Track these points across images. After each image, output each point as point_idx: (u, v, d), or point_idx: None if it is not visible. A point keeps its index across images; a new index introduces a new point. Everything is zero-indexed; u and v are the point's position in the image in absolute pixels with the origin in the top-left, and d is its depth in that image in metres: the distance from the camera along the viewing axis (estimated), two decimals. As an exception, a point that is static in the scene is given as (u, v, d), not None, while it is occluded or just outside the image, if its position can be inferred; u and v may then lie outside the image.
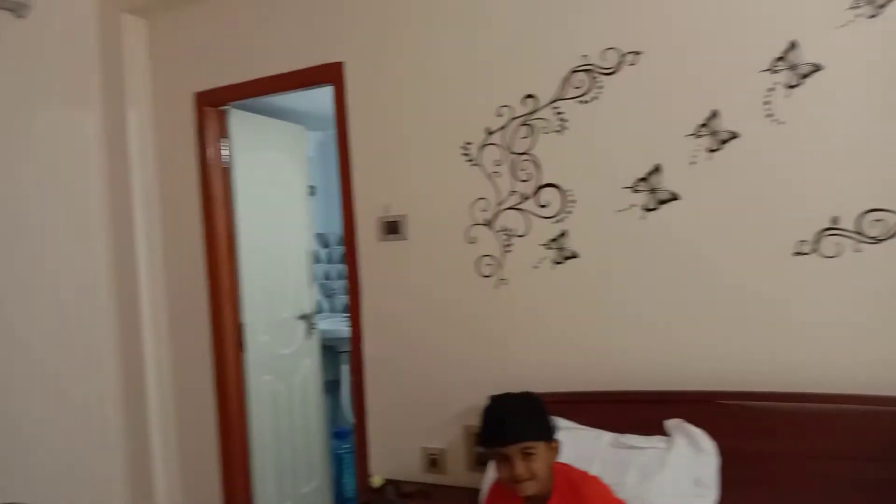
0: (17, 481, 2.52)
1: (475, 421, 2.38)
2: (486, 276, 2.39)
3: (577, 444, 1.94)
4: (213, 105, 2.96)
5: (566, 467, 1.73)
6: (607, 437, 2.04)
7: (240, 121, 3.09)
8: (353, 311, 2.65)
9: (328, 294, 4.89)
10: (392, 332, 2.58)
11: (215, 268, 2.96)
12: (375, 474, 2.54)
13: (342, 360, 4.45)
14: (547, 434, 1.68)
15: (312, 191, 4.12)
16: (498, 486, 1.77)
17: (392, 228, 2.56)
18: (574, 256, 2.26)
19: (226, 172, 3.03)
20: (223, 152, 3.01)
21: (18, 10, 2.72)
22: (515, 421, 1.66)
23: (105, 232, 3.00)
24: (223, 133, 3.02)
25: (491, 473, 2.10)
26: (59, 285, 2.83)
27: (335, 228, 4.78)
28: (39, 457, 2.68)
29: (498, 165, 2.34)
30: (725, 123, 2.03)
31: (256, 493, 3.07)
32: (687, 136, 2.08)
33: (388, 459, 2.61)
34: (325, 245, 4.87)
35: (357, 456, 2.60)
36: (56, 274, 2.82)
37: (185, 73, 2.97)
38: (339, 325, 4.37)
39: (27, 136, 2.75)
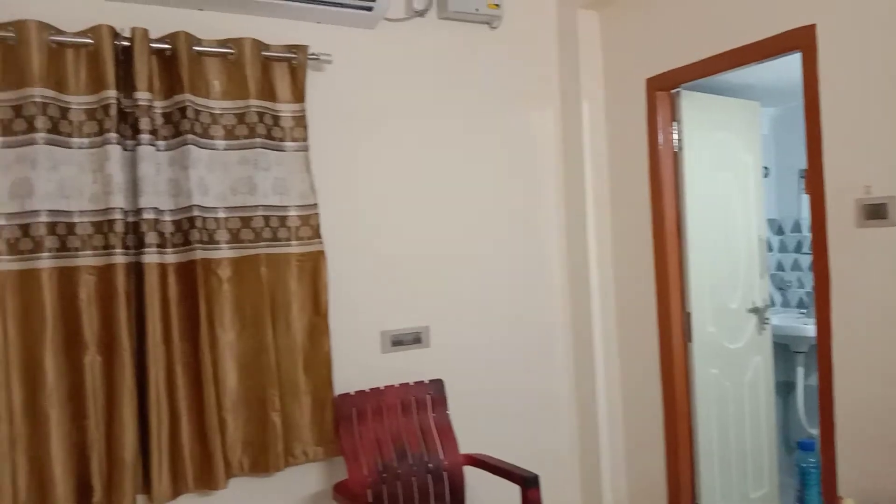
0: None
1: None
2: None
3: None
4: (663, 89, 2.90)
5: None
6: None
7: (689, 102, 2.97)
8: (821, 307, 2.31)
9: (781, 287, 4.44)
10: (874, 336, 2.17)
11: (662, 254, 2.92)
12: (847, 497, 2.18)
13: (797, 361, 4.00)
14: None
15: (766, 172, 3.77)
16: None
17: (875, 213, 2.15)
18: None
19: (675, 157, 2.95)
20: (672, 136, 2.94)
21: (492, 22, 3.07)
22: None
23: (560, 219, 3.24)
24: (673, 117, 2.94)
25: None
26: (520, 260, 3.14)
27: (790, 213, 4.31)
28: (509, 425, 3.05)
29: None
30: None
31: (701, 486, 2.95)
32: None
33: (864, 482, 2.22)
34: (779, 232, 4.42)
35: (823, 472, 2.27)
36: (519, 251, 3.13)
37: (636, 60, 2.98)
38: (794, 322, 3.94)
39: (499, 134, 3.09)
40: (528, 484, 2.36)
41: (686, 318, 2.94)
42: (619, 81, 3.08)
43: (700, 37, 2.68)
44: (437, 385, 2.75)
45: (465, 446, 2.74)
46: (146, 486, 2.27)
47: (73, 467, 2.18)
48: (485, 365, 3.01)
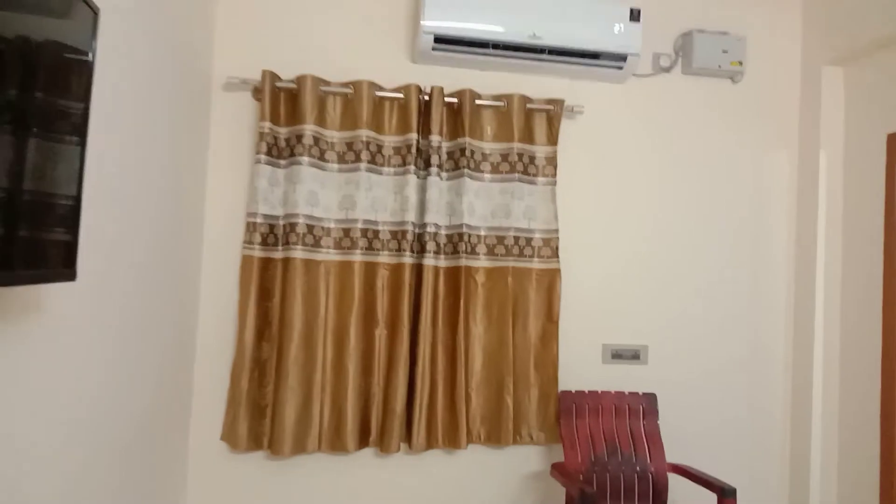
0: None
1: None
2: None
3: None
4: (905, 144, 2.97)
5: None
6: None
7: (937, 158, 2.98)
8: None
9: None
10: None
11: (892, 309, 2.96)
12: None
13: None
14: None
15: None
16: None
17: None
18: None
19: None
20: (913, 190, 2.98)
21: (735, 77, 3.36)
22: None
23: (788, 252, 3.39)
24: (915, 171, 2.98)
25: None
26: (743, 298, 3.35)
27: None
28: (717, 446, 3.28)
29: None
30: None
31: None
32: None
33: None
34: None
35: None
36: (742, 287, 3.35)
37: (878, 115, 3.07)
38: None
39: (735, 174, 3.37)
40: (726, 494, 2.62)
41: (914, 371, 2.94)
42: (859, 134, 3.17)
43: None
44: (651, 398, 3.10)
45: (672, 455, 3.06)
46: (408, 436, 2.94)
47: (359, 411, 2.91)
48: (699, 387, 3.28)
